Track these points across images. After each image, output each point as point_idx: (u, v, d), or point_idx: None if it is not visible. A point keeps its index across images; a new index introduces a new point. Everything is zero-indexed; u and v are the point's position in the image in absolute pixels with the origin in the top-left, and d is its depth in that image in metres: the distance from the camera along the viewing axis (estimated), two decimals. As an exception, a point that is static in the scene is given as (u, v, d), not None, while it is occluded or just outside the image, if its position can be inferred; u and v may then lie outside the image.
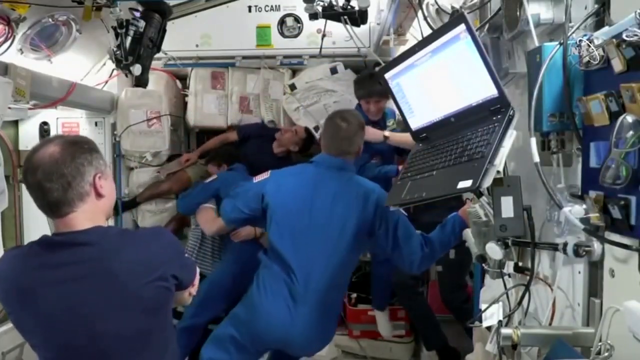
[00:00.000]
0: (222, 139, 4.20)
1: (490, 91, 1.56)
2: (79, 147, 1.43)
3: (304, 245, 2.27)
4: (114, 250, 1.43)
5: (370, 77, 3.27)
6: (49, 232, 1.51)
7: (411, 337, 3.72)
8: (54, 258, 1.41)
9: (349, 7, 2.61)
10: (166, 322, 1.57)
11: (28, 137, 3.73)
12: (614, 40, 1.22)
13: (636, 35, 1.15)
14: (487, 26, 1.91)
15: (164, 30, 2.74)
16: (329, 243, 2.27)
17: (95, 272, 1.41)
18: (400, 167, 2.59)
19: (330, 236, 2.27)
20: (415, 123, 1.95)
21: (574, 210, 1.36)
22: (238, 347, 2.31)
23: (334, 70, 3.91)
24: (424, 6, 2.29)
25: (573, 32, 1.42)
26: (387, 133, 3.03)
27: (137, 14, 2.57)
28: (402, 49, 3.04)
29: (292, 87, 3.95)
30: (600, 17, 1.42)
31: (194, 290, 1.70)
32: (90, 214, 1.44)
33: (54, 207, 1.41)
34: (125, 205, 3.91)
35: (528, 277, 1.65)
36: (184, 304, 1.69)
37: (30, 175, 1.38)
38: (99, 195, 1.45)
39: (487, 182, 1.44)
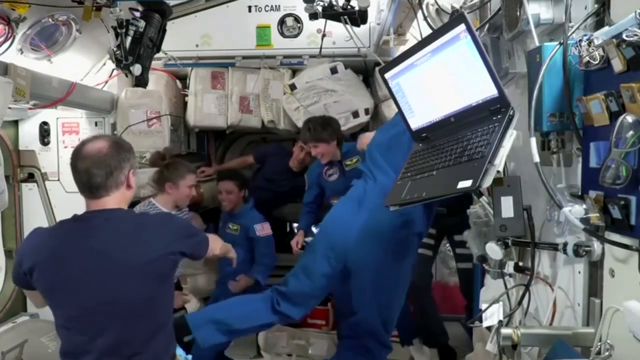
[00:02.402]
0: (241, 162, 4.50)
1: (490, 91, 1.56)
2: (121, 146, 1.79)
3: (382, 160, 2.65)
4: (135, 226, 1.79)
5: (305, 124, 3.53)
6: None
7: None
8: (85, 229, 1.73)
9: (349, 7, 2.61)
10: (170, 292, 1.88)
11: (28, 137, 3.73)
12: (614, 40, 1.22)
13: (636, 35, 1.15)
14: (487, 26, 1.91)
15: (164, 30, 2.73)
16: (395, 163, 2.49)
17: (119, 243, 1.71)
18: None
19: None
20: (415, 123, 1.95)
21: (574, 210, 1.36)
22: (317, 253, 2.66)
23: (334, 70, 3.90)
24: (424, 6, 2.30)
25: (573, 32, 1.42)
26: None
27: (137, 14, 2.56)
28: (402, 49, 3.04)
29: (292, 87, 3.94)
30: (600, 17, 1.42)
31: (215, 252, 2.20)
32: (118, 200, 1.77)
33: (94, 189, 1.72)
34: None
35: (528, 277, 1.65)
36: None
37: (80, 162, 1.71)
38: (129, 186, 1.80)
39: (487, 182, 1.44)
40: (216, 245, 2.22)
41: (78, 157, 1.72)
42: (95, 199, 1.74)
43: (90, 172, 1.70)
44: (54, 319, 1.79)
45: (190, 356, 2.07)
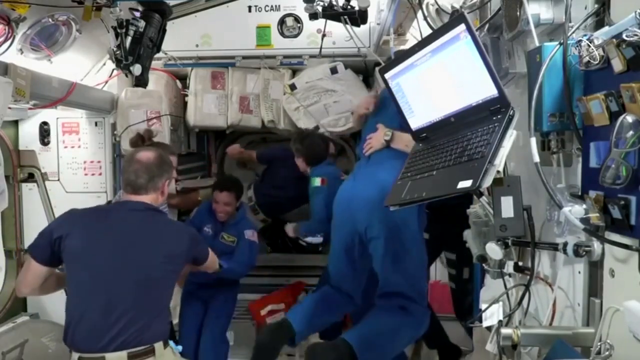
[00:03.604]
0: (249, 154, 4.54)
1: (490, 91, 1.56)
2: (164, 160, 2.23)
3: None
4: (163, 219, 2.26)
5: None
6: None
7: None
8: (123, 208, 2.18)
9: (349, 7, 2.61)
10: (174, 283, 2.21)
11: (28, 137, 3.74)
12: (614, 40, 1.22)
13: (636, 35, 1.15)
14: (487, 26, 1.91)
15: (164, 30, 2.73)
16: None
17: (156, 227, 2.15)
18: None
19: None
20: (415, 123, 1.95)
21: (574, 210, 1.36)
22: (332, 241, 2.74)
23: (334, 70, 3.90)
24: (424, 6, 2.30)
25: (573, 32, 1.42)
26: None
27: (137, 14, 2.56)
28: (402, 49, 3.03)
29: (292, 87, 3.94)
30: (600, 17, 1.42)
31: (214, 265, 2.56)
32: (151, 200, 2.18)
33: (135, 186, 2.15)
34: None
35: (528, 277, 1.65)
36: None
37: (132, 165, 2.17)
38: (162, 193, 2.24)
39: (487, 182, 1.44)
40: (214, 258, 2.51)
41: (132, 161, 2.18)
42: (135, 194, 2.15)
43: (138, 174, 2.14)
44: (70, 286, 2.04)
45: (180, 347, 2.23)
